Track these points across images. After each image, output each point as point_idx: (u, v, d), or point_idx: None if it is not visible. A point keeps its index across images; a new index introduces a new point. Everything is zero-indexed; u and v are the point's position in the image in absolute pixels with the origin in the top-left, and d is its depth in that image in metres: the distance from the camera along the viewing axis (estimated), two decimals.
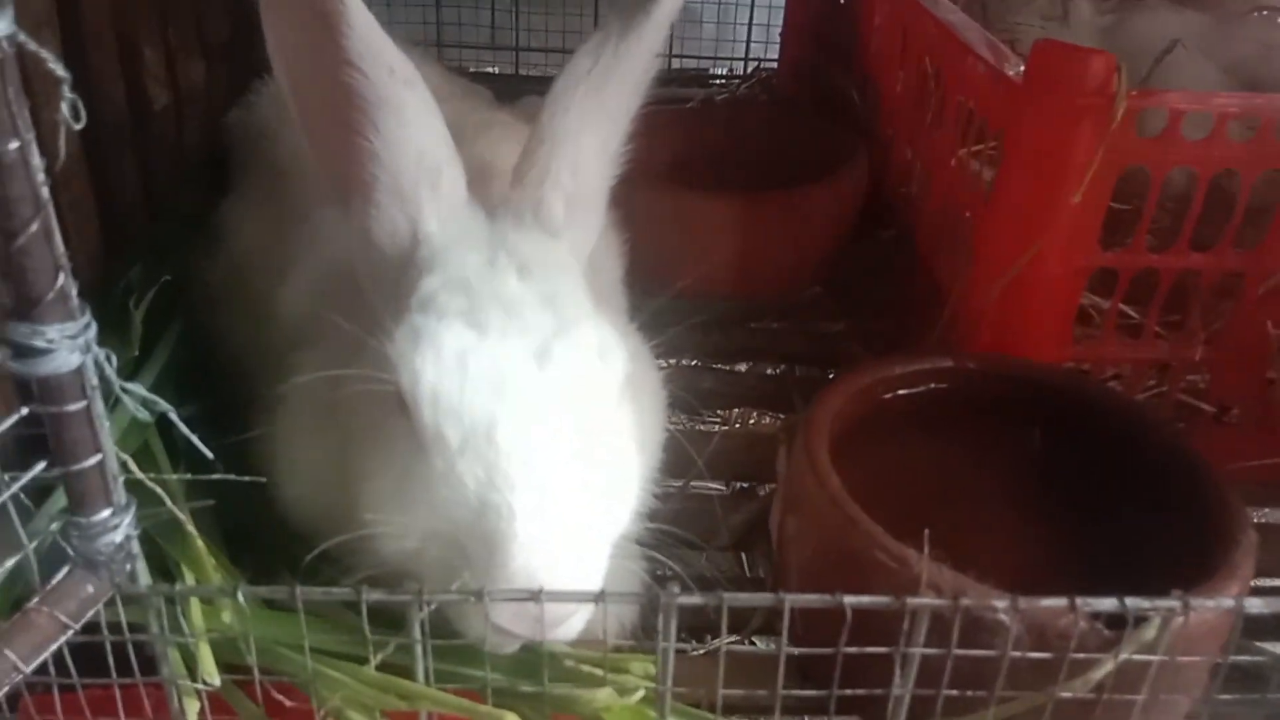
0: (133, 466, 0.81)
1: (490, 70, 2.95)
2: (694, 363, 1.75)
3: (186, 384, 1.27)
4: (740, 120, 2.13)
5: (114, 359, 0.74)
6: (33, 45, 0.63)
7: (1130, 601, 0.83)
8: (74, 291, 0.71)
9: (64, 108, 0.66)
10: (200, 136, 1.75)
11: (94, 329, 0.73)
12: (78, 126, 0.67)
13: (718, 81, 2.84)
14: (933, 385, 1.30)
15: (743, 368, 1.85)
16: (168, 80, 1.63)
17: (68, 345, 0.71)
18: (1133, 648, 0.87)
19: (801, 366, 1.79)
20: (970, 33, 1.49)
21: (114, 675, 0.86)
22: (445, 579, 0.85)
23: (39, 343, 0.70)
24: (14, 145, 0.64)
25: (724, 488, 1.52)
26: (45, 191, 0.67)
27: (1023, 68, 1.28)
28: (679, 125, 2.05)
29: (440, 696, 0.85)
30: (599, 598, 0.82)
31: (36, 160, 0.66)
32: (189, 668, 0.90)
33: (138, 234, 1.50)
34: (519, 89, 2.17)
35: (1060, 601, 0.84)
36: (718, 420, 1.75)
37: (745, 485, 1.52)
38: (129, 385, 0.77)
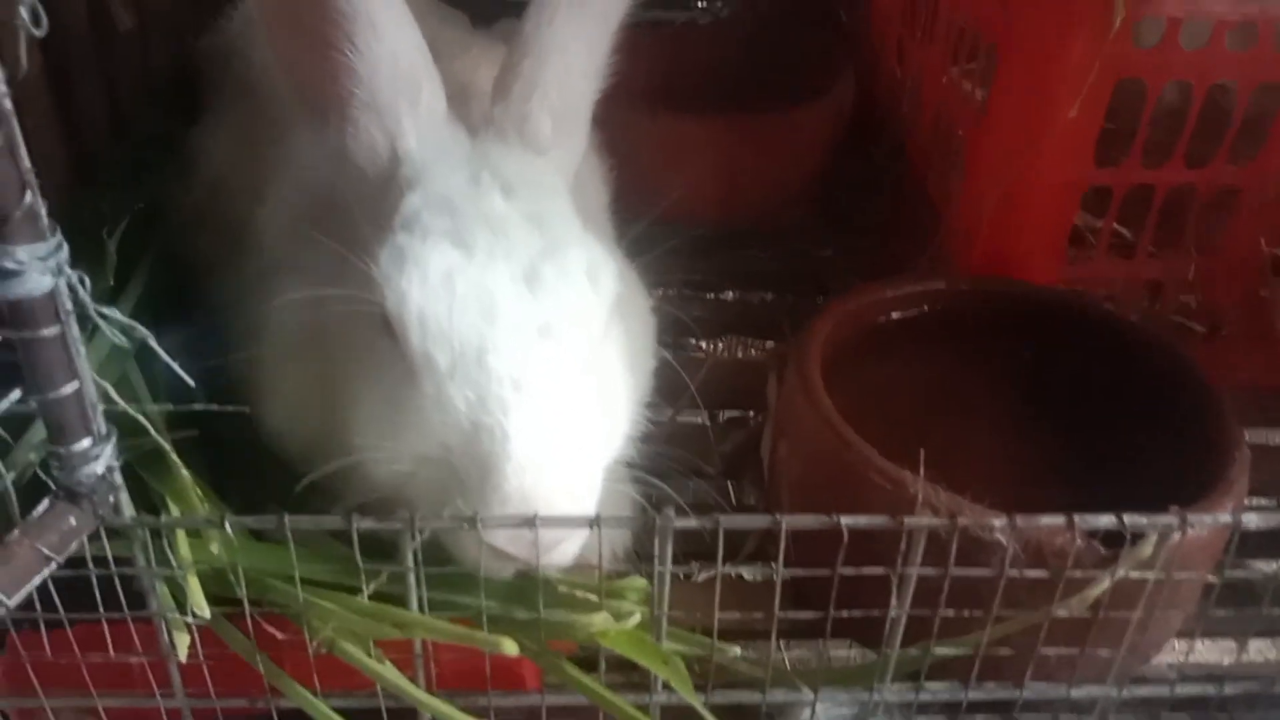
0: (114, 395, 0.79)
1: None
2: (681, 290, 1.72)
3: (164, 313, 1.24)
4: (724, 41, 2.10)
5: (88, 282, 0.72)
6: None
7: (1128, 518, 0.83)
8: (43, 211, 0.69)
9: (22, 11, 0.63)
10: (167, 61, 1.70)
11: (65, 250, 0.71)
12: (39, 32, 0.64)
13: (700, 4, 2.79)
14: (926, 308, 1.29)
15: (730, 295, 1.83)
16: (133, 2, 1.58)
17: (38, 267, 0.69)
18: (1130, 564, 0.86)
19: (790, 293, 1.77)
20: None
21: (101, 610, 0.85)
22: (438, 504, 0.84)
23: (8, 264, 0.68)
24: None
25: (712, 418, 1.50)
26: (7, 103, 0.64)
27: None
28: (663, 46, 2.01)
29: (436, 624, 0.84)
30: (594, 523, 0.82)
31: None
32: (177, 601, 0.88)
33: (106, 161, 1.46)
34: (495, 12, 2.11)
35: (1058, 519, 0.84)
36: (702, 350, 1.73)
37: (734, 414, 1.51)
38: (106, 310, 0.74)
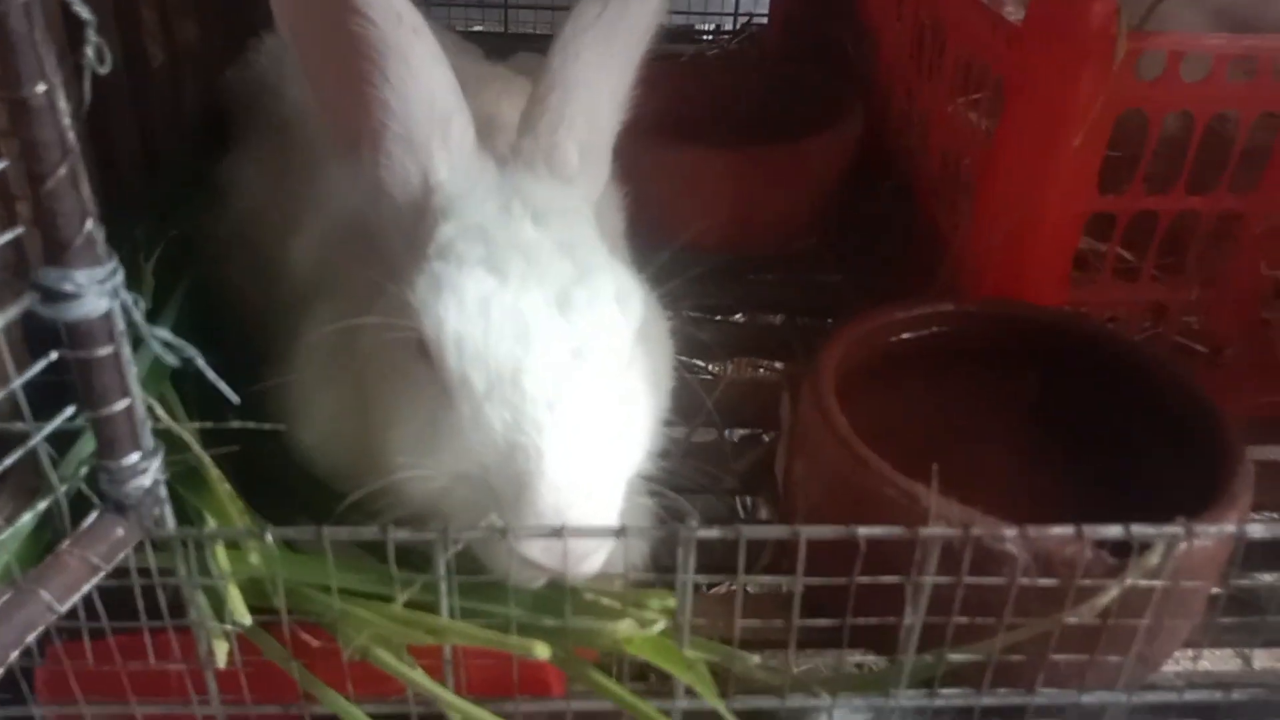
0: (159, 412, 0.82)
1: (478, 28, 2.93)
2: (693, 314, 1.76)
3: (196, 338, 1.27)
4: (736, 74, 2.13)
5: (141, 303, 0.75)
6: None
7: (1135, 528, 0.86)
8: (101, 237, 0.72)
9: (88, 50, 0.67)
10: (197, 95, 1.75)
11: (121, 274, 0.74)
12: (103, 70, 0.68)
13: (706, 37, 2.83)
14: (935, 329, 1.33)
15: (740, 318, 1.87)
16: (163, 39, 1.62)
17: (96, 290, 0.72)
18: (1138, 573, 0.89)
19: (800, 317, 1.80)
20: None
21: (143, 619, 0.88)
22: (471, 518, 0.87)
23: (68, 287, 0.71)
24: (41, 89, 0.65)
25: (727, 434, 1.53)
26: (72, 136, 0.68)
27: (1023, 13, 1.29)
28: (675, 79, 2.04)
29: (470, 629, 0.86)
30: (620, 533, 0.85)
31: (63, 104, 0.67)
32: (214, 610, 0.91)
33: (139, 192, 1.50)
34: (507, 47, 2.16)
35: (1067, 530, 0.87)
36: (707, 371, 1.76)
37: (747, 432, 1.54)
38: (157, 330, 0.78)
